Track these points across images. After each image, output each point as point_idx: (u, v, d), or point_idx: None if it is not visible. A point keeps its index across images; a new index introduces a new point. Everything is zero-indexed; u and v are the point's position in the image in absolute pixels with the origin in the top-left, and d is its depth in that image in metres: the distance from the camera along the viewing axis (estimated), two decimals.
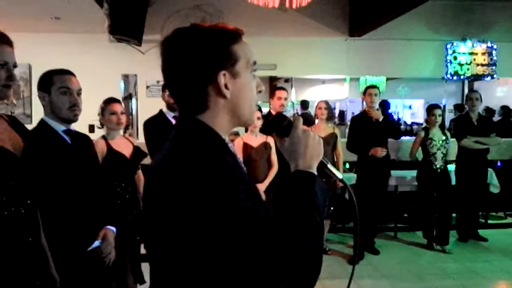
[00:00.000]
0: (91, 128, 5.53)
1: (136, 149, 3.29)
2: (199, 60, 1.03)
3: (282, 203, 1.04)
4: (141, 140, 3.55)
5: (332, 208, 4.76)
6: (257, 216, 0.94)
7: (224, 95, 1.04)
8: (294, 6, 4.67)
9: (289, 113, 8.93)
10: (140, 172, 3.48)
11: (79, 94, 2.20)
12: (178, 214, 0.94)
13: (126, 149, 3.22)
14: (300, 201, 1.02)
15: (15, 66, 1.68)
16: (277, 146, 4.30)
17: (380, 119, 4.90)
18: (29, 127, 1.99)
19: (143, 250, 3.36)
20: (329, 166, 1.18)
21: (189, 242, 0.95)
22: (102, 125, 3.28)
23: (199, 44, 1.04)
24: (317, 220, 1.00)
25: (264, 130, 4.14)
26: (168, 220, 0.97)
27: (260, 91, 1.13)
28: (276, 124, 1.17)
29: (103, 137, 3.22)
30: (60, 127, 2.18)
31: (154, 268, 1.08)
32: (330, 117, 4.94)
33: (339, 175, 1.20)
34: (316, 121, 5.08)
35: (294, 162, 1.11)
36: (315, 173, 1.10)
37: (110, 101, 3.27)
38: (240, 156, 1.24)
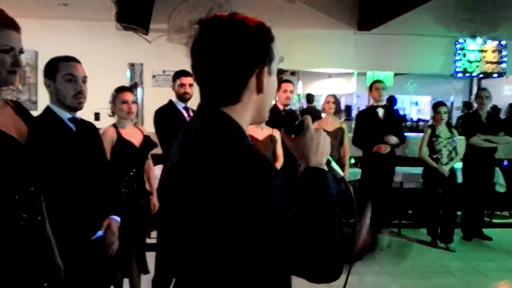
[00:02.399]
0: (97, 116, 5.53)
1: (146, 138, 3.27)
2: (245, 52, 1.03)
3: (300, 199, 1.05)
4: (150, 129, 3.52)
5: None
6: (288, 211, 0.95)
7: (261, 90, 1.07)
8: None
9: (294, 106, 8.90)
10: (150, 161, 3.47)
11: (84, 81, 2.18)
12: (210, 207, 0.95)
13: (136, 138, 3.20)
14: (319, 196, 1.06)
15: (21, 51, 1.65)
16: (283, 140, 4.29)
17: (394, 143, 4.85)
18: (35, 113, 1.97)
19: (148, 240, 3.35)
20: (333, 164, 1.22)
21: (220, 233, 0.96)
22: (113, 113, 3.25)
23: (245, 36, 1.03)
24: (337, 212, 1.05)
25: (270, 123, 4.11)
26: (197, 211, 0.98)
27: (288, 97, 1.18)
28: (287, 123, 1.19)
29: (114, 125, 3.20)
30: (65, 115, 2.16)
31: (171, 260, 1.09)
32: (337, 111, 4.89)
33: (341, 172, 1.23)
34: (323, 115, 5.04)
35: (306, 159, 1.14)
36: (326, 169, 1.15)
37: (121, 89, 3.25)
38: None
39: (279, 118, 1.21)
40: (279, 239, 0.93)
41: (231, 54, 1.02)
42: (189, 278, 1.07)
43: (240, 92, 1.06)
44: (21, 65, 1.64)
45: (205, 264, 1.01)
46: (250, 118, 1.11)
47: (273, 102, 4.99)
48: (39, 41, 5.88)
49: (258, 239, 0.94)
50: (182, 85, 3.51)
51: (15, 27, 1.63)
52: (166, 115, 3.47)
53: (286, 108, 4.44)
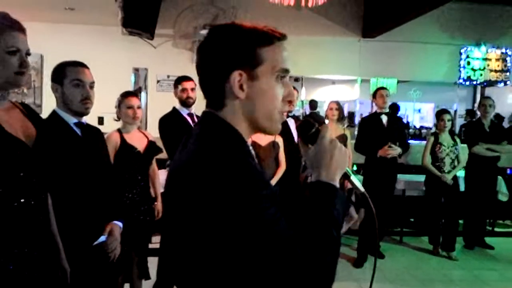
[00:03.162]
0: (101, 121, 5.55)
1: (151, 143, 3.27)
2: (219, 56, 1.03)
3: (301, 213, 1.02)
4: (155, 135, 3.53)
5: None
6: (277, 225, 0.93)
7: (243, 96, 1.03)
8: (310, 5, 4.64)
9: (297, 112, 8.90)
10: (154, 166, 3.47)
11: (91, 87, 2.19)
12: (199, 213, 0.93)
13: (140, 143, 3.21)
14: (320, 214, 1.01)
15: (28, 53, 1.66)
16: (285, 145, 4.32)
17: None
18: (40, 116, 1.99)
19: (150, 245, 3.36)
20: (352, 178, 1.16)
21: (207, 241, 0.94)
22: (118, 118, 3.26)
23: (224, 41, 1.04)
24: (334, 235, 0.99)
25: None
26: (189, 218, 0.96)
27: (290, 101, 1.10)
28: (303, 131, 1.15)
29: (118, 130, 3.21)
30: (71, 119, 2.18)
31: (170, 266, 1.09)
32: (341, 118, 4.90)
33: (361, 188, 1.17)
34: (327, 121, 5.05)
35: (317, 172, 1.09)
36: (337, 185, 1.08)
37: (127, 94, 3.26)
38: None
39: (285, 125, 1.19)
40: (263, 253, 0.90)
41: (208, 59, 1.05)
42: (185, 285, 1.06)
43: (220, 97, 1.04)
44: (28, 67, 1.65)
45: (197, 271, 1.00)
46: (246, 126, 1.06)
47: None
48: (45, 45, 5.93)
49: (242, 250, 0.91)
50: (184, 90, 3.52)
51: (21, 29, 1.64)
52: (170, 123, 3.48)
53: (290, 114, 4.45)
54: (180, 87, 3.55)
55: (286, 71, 1.07)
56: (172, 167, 1.09)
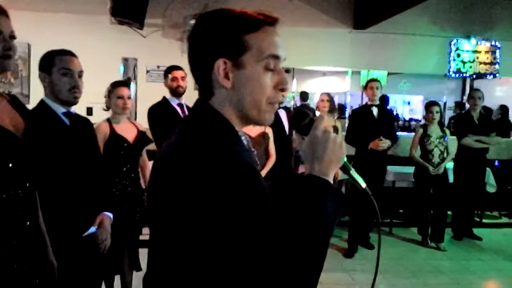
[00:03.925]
0: (89, 111, 5.48)
1: (141, 134, 3.23)
2: (203, 44, 1.00)
3: (289, 207, 0.96)
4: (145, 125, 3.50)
5: None
6: (264, 219, 0.88)
7: (227, 85, 0.98)
8: None
9: (288, 103, 8.90)
10: (145, 157, 3.43)
11: (80, 76, 2.16)
12: (185, 202, 0.89)
13: (130, 134, 3.16)
14: (308, 214, 0.94)
15: (13, 37, 1.59)
16: (275, 137, 4.30)
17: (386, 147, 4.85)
18: (27, 107, 1.94)
19: (141, 237, 3.33)
20: (352, 172, 1.08)
21: (191, 232, 0.90)
22: (108, 108, 3.22)
23: (208, 28, 1.00)
24: (321, 236, 0.93)
25: None
26: (173, 207, 0.92)
27: (282, 89, 1.03)
28: (295, 121, 1.09)
29: (108, 120, 3.16)
30: (59, 109, 2.14)
31: (155, 256, 1.04)
32: (331, 109, 4.90)
33: (363, 184, 1.09)
34: (318, 113, 5.04)
35: (309, 165, 1.02)
36: (331, 181, 1.01)
37: (117, 84, 3.21)
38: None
39: (276, 116, 1.16)
40: (246, 247, 0.86)
41: (194, 47, 1.02)
42: (172, 277, 1.00)
43: (208, 86, 1.01)
44: (13, 49, 1.57)
45: (182, 264, 0.95)
46: (235, 117, 1.02)
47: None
48: (32, 34, 5.82)
49: (227, 242, 0.87)
50: (174, 78, 3.50)
51: (2, 12, 1.57)
52: (160, 112, 3.45)
53: (281, 105, 4.44)
54: (170, 76, 3.52)
55: (276, 57, 1.01)
56: (157, 157, 1.04)
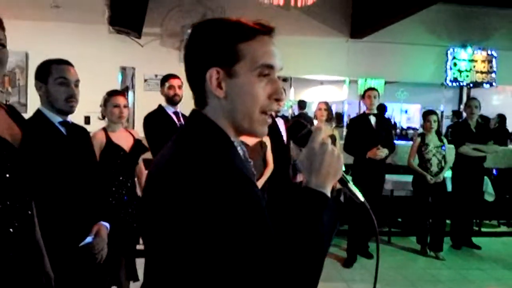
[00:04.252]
0: (87, 120, 5.48)
1: (137, 142, 3.22)
2: (196, 53, 1.00)
3: (286, 219, 0.94)
4: (141, 134, 3.49)
5: None
6: (257, 226, 0.87)
7: (221, 95, 0.97)
8: (299, 5, 4.63)
9: (286, 112, 8.91)
10: (141, 166, 3.42)
11: (76, 85, 2.15)
12: (177, 213, 0.88)
13: (126, 143, 3.15)
14: (303, 228, 0.92)
15: (1, 44, 1.53)
16: (273, 145, 4.30)
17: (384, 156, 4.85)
18: (25, 116, 1.93)
19: (138, 246, 3.31)
20: (350, 185, 1.06)
21: (184, 242, 0.88)
22: (103, 117, 3.21)
23: (202, 37, 0.99)
24: (316, 252, 0.91)
25: None
26: (167, 218, 0.90)
27: (277, 99, 1.01)
28: (292, 132, 1.07)
29: (104, 129, 3.16)
30: (56, 118, 2.13)
31: (149, 267, 1.03)
32: (329, 118, 4.90)
33: (361, 197, 1.06)
34: (315, 122, 5.05)
35: (306, 177, 1.01)
36: (328, 194, 0.99)
37: (113, 93, 3.21)
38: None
39: (274, 125, 1.14)
40: (239, 258, 0.85)
41: (188, 56, 1.02)
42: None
43: (203, 95, 1.00)
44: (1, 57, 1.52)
45: (177, 273, 0.93)
46: (230, 127, 1.00)
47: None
48: (30, 43, 5.84)
49: (221, 253, 0.85)
50: (171, 87, 3.50)
51: None
52: (155, 120, 3.44)
53: (279, 114, 4.44)
54: (167, 85, 3.52)
55: (270, 67, 0.99)
56: (152, 166, 1.03)
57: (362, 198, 1.06)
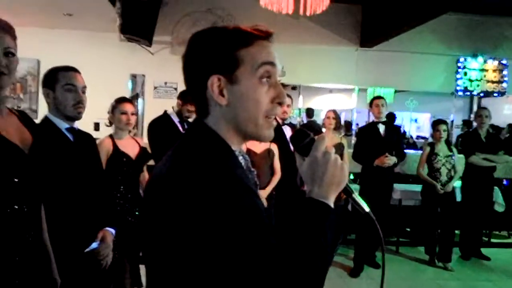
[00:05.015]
0: (96, 126, 5.53)
1: (143, 150, 3.25)
2: (196, 62, 1.00)
3: (290, 229, 0.94)
4: (146, 141, 3.52)
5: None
6: (257, 236, 0.86)
7: (223, 102, 0.97)
8: (308, 13, 4.64)
9: (294, 120, 8.90)
10: (146, 173, 3.44)
11: (83, 91, 2.17)
12: (176, 222, 0.87)
13: (132, 150, 3.18)
14: (305, 240, 0.91)
15: (9, 52, 1.53)
16: (280, 153, 4.30)
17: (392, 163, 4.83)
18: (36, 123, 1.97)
19: (142, 253, 3.32)
20: (355, 195, 1.03)
21: (183, 252, 0.88)
22: (110, 124, 3.24)
23: (200, 45, 0.99)
24: (317, 264, 0.90)
25: None
26: (166, 227, 0.90)
27: (280, 103, 1.00)
28: (295, 141, 1.05)
29: (110, 136, 3.19)
30: (63, 125, 2.15)
31: (150, 276, 1.03)
32: (338, 126, 4.89)
33: (366, 208, 1.03)
34: (324, 130, 5.04)
35: (309, 187, 0.99)
36: (331, 204, 0.97)
37: (121, 100, 3.24)
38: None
39: (281, 132, 1.12)
40: (240, 268, 0.84)
41: (187, 65, 1.02)
42: None
43: (204, 104, 1.00)
44: (4, 65, 1.51)
45: (178, 283, 0.92)
46: (233, 134, 1.00)
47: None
48: (42, 50, 5.93)
49: (220, 264, 0.84)
50: (186, 108, 3.50)
51: (4, 28, 1.52)
52: (160, 126, 3.46)
53: (286, 122, 4.44)
54: (180, 102, 3.53)
55: (271, 64, 0.98)
56: (151, 175, 1.02)
57: (367, 209, 1.03)
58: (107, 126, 3.26)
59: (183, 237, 0.87)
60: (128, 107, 3.19)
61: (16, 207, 1.54)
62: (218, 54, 0.97)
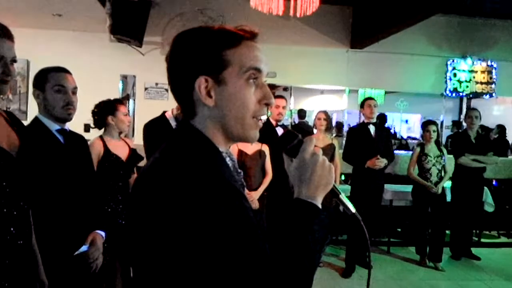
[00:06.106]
0: (87, 128, 5.47)
1: (133, 151, 3.24)
2: (182, 63, 0.98)
3: (276, 230, 0.94)
4: (136, 142, 3.50)
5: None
6: (244, 239, 0.86)
7: (211, 103, 0.96)
8: (298, 15, 4.65)
9: (286, 121, 8.91)
10: (136, 175, 3.43)
11: (74, 92, 2.15)
12: (160, 226, 0.86)
13: (122, 152, 3.17)
14: (293, 240, 0.92)
15: (14, 60, 1.59)
16: (272, 154, 4.30)
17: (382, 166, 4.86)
18: (24, 123, 1.94)
19: None
20: (341, 196, 1.05)
21: (169, 256, 0.86)
22: (100, 126, 3.22)
23: (186, 46, 0.99)
24: (305, 264, 0.91)
25: (259, 138, 4.10)
26: (150, 231, 0.88)
27: (267, 104, 1.01)
28: (283, 143, 1.04)
29: (101, 137, 3.16)
30: (54, 126, 2.13)
31: (136, 278, 1.01)
32: (329, 128, 4.90)
33: (352, 208, 1.05)
34: (315, 131, 5.05)
35: (297, 188, 1.00)
36: (319, 205, 0.99)
37: (121, 102, 3.25)
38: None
39: (274, 134, 1.12)
40: (225, 271, 0.83)
41: (173, 67, 1.00)
42: None
43: (191, 105, 0.99)
44: (12, 75, 1.58)
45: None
46: (220, 135, 1.00)
47: (264, 117, 4.98)
48: (32, 51, 5.87)
49: (205, 266, 0.84)
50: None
51: (7, 35, 1.57)
52: (155, 128, 3.43)
53: (279, 123, 4.44)
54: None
55: (257, 70, 0.98)
56: (138, 177, 1.01)
57: (353, 210, 1.05)
58: (93, 128, 3.23)
59: (167, 240, 0.85)
60: (125, 108, 3.20)
61: (5, 210, 1.52)
62: (204, 55, 0.96)
